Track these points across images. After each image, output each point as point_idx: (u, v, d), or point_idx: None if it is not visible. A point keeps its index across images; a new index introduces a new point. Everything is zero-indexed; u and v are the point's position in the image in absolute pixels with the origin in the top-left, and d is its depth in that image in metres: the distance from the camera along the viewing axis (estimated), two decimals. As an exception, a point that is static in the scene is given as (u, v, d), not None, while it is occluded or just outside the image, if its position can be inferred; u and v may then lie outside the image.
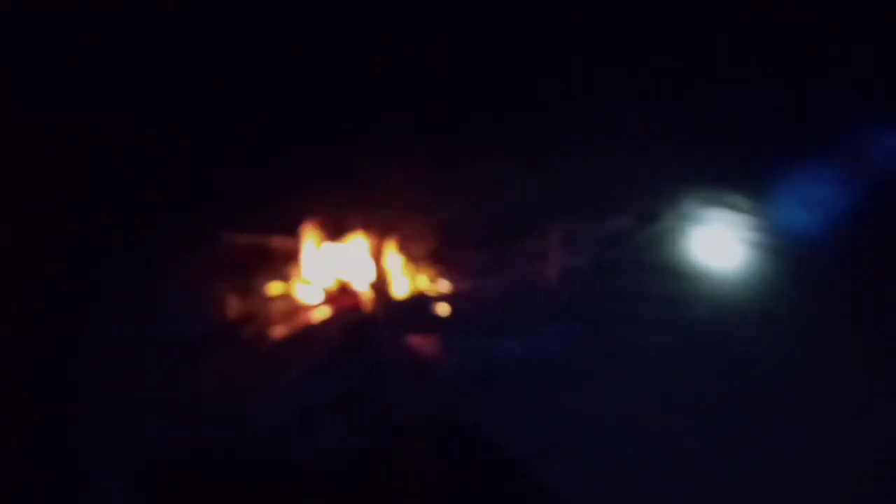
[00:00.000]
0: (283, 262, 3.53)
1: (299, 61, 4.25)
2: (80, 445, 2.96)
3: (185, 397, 3.02)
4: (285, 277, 3.43)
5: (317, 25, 4.25)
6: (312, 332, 3.20)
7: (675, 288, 3.23)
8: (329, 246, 3.53)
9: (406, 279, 3.38)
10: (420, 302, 3.25)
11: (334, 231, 3.64)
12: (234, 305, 3.31)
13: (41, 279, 3.40)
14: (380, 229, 3.50)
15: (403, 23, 4.25)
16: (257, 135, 4.16)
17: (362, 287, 3.34)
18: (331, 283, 3.40)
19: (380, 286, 3.29)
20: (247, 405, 2.89)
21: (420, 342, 3.16)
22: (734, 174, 3.50)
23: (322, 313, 3.33)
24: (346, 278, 3.38)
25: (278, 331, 3.26)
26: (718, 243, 3.43)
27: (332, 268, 3.40)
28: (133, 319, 3.26)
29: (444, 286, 3.38)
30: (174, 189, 3.87)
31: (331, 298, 3.38)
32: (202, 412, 2.98)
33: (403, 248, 3.44)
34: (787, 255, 3.26)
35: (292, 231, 3.67)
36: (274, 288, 3.40)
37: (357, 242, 3.49)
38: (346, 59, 4.22)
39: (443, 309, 3.28)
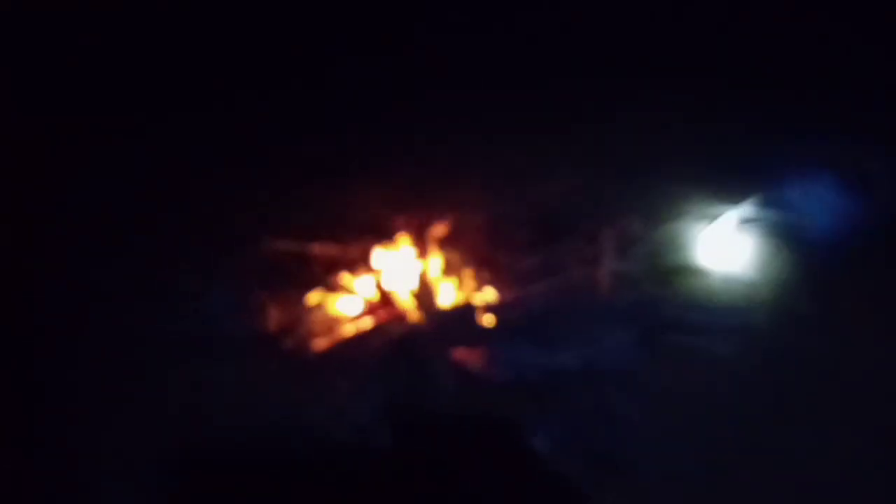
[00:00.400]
0: (322, 270, 3.42)
1: (314, 56, 4.25)
2: (84, 446, 2.91)
3: (212, 402, 3.01)
4: (324, 286, 3.31)
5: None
6: (352, 345, 3.10)
7: (735, 294, 3.21)
8: (369, 252, 3.41)
9: (450, 287, 3.26)
10: (466, 312, 3.12)
11: (374, 236, 3.54)
12: (270, 314, 3.21)
13: (52, 279, 3.38)
14: (422, 234, 3.40)
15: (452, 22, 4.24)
16: (286, 134, 4.14)
17: (404, 297, 3.22)
18: (371, 293, 3.27)
19: (423, 295, 3.16)
20: (282, 416, 2.89)
21: (467, 354, 3.03)
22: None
23: (362, 325, 3.20)
24: (386, 287, 3.25)
25: (316, 343, 3.14)
26: (774, 247, 3.43)
27: (372, 276, 3.29)
28: (158, 319, 3.23)
29: (490, 294, 3.25)
30: (212, 190, 3.85)
31: (371, 309, 3.24)
32: (227, 418, 2.97)
33: (447, 254, 3.34)
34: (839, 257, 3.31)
35: (330, 236, 3.57)
36: (312, 297, 3.27)
37: (398, 249, 3.38)
38: (358, 52, 4.25)
39: (490, 319, 3.15)
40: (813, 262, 3.35)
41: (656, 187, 3.69)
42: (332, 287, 3.30)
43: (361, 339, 3.11)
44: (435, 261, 3.31)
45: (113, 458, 2.87)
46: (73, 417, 3.00)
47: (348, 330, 3.18)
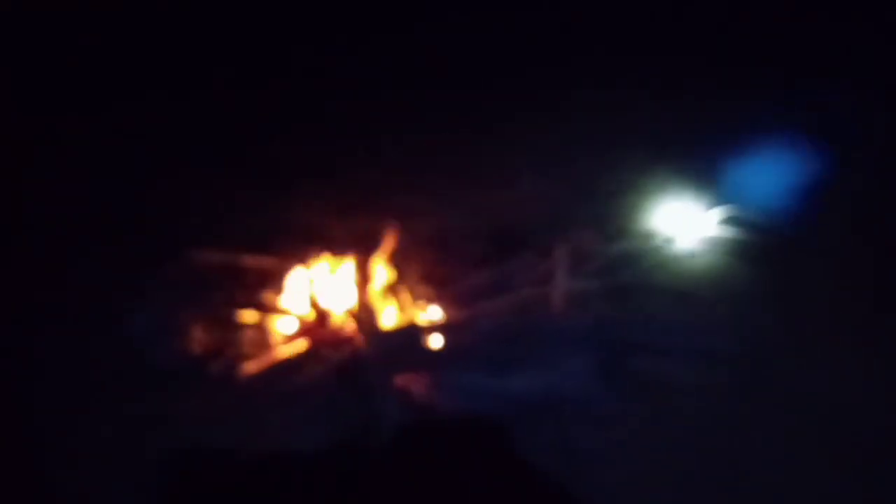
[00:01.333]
0: (253, 285, 3.23)
1: (286, 62, 4.18)
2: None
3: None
4: (255, 303, 3.12)
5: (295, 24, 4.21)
6: (286, 370, 2.91)
7: (696, 314, 3.10)
8: (307, 266, 3.22)
9: (394, 305, 3.10)
10: (411, 333, 2.96)
11: (311, 248, 3.33)
12: (196, 337, 3.01)
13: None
14: (365, 246, 3.22)
15: (399, 21, 4.19)
16: (230, 138, 4.05)
17: (344, 315, 3.03)
18: (308, 311, 3.08)
19: (364, 314, 2.98)
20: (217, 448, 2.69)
21: (412, 380, 2.87)
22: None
23: (296, 348, 3.00)
24: (325, 305, 3.06)
25: (246, 367, 2.94)
26: (736, 264, 3.34)
27: (309, 292, 3.10)
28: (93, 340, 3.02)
29: (437, 314, 3.11)
30: (137, 199, 3.66)
31: (307, 329, 3.05)
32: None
33: (392, 268, 3.17)
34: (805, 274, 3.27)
35: (265, 247, 3.39)
36: (241, 316, 3.08)
37: (339, 262, 3.19)
38: (331, 57, 4.19)
39: (437, 340, 3.00)
40: (777, 278, 3.26)
41: (614, 200, 3.59)
42: (264, 305, 3.12)
43: (295, 364, 2.92)
44: (378, 276, 3.14)
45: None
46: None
47: (281, 353, 2.99)
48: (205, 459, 2.62)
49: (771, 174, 3.55)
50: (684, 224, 3.39)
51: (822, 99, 3.79)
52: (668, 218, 3.50)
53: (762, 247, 3.33)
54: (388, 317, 3.06)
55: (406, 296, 3.11)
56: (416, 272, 3.25)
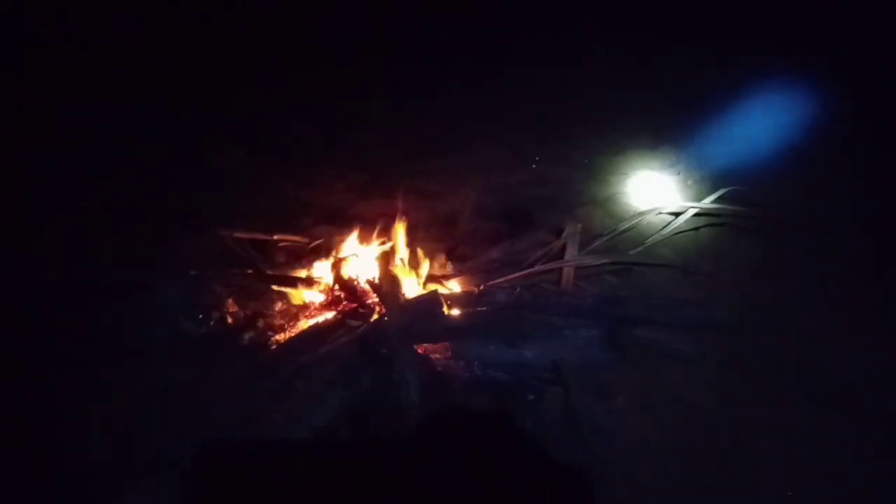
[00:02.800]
0: (280, 259, 3.34)
1: (308, 46, 4.33)
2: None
3: (176, 399, 2.77)
4: (282, 276, 3.17)
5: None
6: (314, 339, 2.91)
7: (699, 288, 3.17)
8: (330, 241, 3.32)
9: (416, 279, 3.12)
10: (431, 304, 2.92)
11: (336, 224, 3.48)
12: (225, 309, 3.09)
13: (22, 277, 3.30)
14: (385, 223, 3.29)
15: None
16: (256, 120, 4.15)
17: (367, 288, 3.07)
18: (332, 284, 3.14)
19: (388, 287, 2.96)
20: (244, 415, 2.66)
21: (431, 350, 2.88)
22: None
23: (322, 318, 3.05)
24: (348, 278, 3.10)
25: (277, 336, 3.00)
26: (738, 239, 3.43)
27: (336, 267, 3.13)
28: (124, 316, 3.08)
29: (455, 286, 3.17)
30: (166, 179, 3.84)
31: (332, 301, 3.12)
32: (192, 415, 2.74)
33: (413, 243, 3.21)
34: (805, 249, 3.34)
35: (289, 224, 3.52)
36: (269, 289, 3.14)
37: (365, 238, 3.27)
38: (349, 40, 4.34)
39: (455, 312, 3.02)
40: (777, 254, 3.34)
41: (620, 179, 3.69)
42: (291, 278, 3.18)
43: (321, 333, 2.96)
44: (399, 251, 3.20)
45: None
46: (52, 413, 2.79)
47: (308, 324, 3.06)
48: (229, 429, 2.66)
49: (771, 151, 3.65)
50: (686, 201, 3.46)
51: (819, 70, 3.93)
52: (671, 195, 3.61)
53: (761, 222, 3.43)
54: (409, 289, 3.10)
55: (427, 269, 3.17)
56: (437, 247, 3.38)
